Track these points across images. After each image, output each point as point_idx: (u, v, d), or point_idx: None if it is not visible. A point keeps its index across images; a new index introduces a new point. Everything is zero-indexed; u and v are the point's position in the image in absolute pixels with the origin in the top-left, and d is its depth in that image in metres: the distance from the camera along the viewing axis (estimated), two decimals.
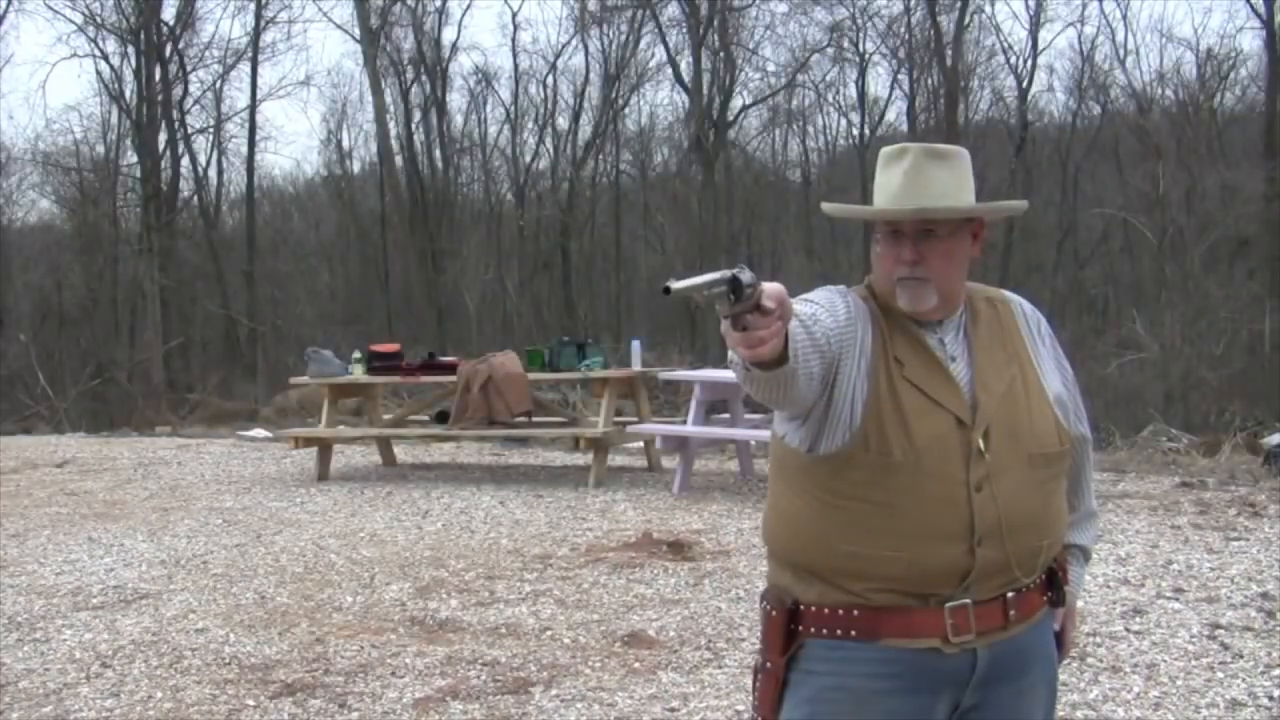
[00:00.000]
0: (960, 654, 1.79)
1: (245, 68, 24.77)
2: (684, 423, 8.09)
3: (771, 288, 1.47)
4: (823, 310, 1.78)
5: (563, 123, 26.21)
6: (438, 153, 26.47)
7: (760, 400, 1.74)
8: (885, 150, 1.88)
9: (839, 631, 1.81)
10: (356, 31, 24.53)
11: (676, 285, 1.42)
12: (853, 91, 25.89)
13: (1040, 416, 1.86)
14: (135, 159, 23.80)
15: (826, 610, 1.82)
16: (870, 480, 1.77)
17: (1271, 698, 3.83)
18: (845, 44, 25.17)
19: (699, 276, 1.43)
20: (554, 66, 25.95)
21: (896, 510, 1.76)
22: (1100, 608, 4.80)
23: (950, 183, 1.83)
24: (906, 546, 1.76)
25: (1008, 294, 2.01)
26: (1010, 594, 1.82)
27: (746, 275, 1.42)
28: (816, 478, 1.81)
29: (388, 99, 24.89)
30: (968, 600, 1.78)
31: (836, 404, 1.77)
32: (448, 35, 26.29)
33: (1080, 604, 2.13)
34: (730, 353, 1.60)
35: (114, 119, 24.10)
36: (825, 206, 2.02)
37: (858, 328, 1.80)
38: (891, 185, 1.84)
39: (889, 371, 1.80)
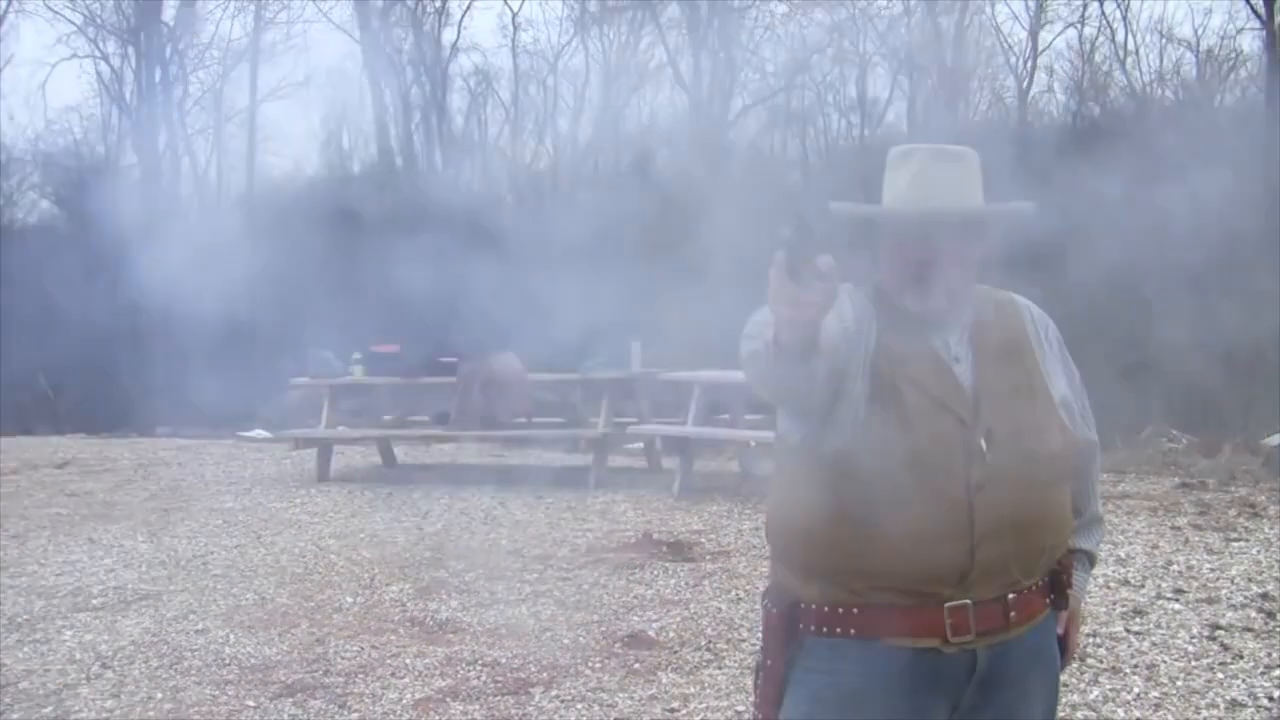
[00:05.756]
0: (960, 654, 1.79)
1: (245, 68, 24.77)
2: (684, 423, 8.09)
3: (828, 259, 1.46)
4: (830, 315, 1.77)
5: (563, 123, 26.22)
6: (438, 154, 26.46)
7: (775, 395, 1.73)
8: (894, 151, 1.88)
9: (839, 630, 1.81)
10: (356, 32, 24.54)
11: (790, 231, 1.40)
12: (853, 92, 25.88)
13: (1044, 419, 1.86)
14: (135, 160, 23.80)
15: (827, 609, 1.82)
16: (871, 479, 1.76)
17: (1271, 698, 3.83)
18: (845, 44, 25.16)
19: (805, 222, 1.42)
20: (554, 67, 25.95)
21: (897, 510, 1.76)
22: (1100, 608, 4.80)
23: (958, 183, 1.83)
24: (906, 546, 1.76)
25: (1016, 296, 2.00)
26: (1011, 595, 1.82)
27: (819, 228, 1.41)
28: (818, 476, 1.81)
29: (388, 100, 24.90)
30: (968, 601, 1.78)
31: (841, 403, 1.77)
32: (448, 36, 26.23)
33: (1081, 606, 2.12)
34: (749, 343, 1.58)
35: (114, 120, 24.11)
36: (834, 206, 2.02)
37: (862, 326, 1.80)
38: (900, 185, 1.84)
39: (891, 371, 1.80)
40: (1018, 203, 1.93)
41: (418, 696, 4.02)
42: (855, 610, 1.80)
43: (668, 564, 5.78)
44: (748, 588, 5.21)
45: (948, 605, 1.78)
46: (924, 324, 1.85)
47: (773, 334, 1.55)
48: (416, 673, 4.27)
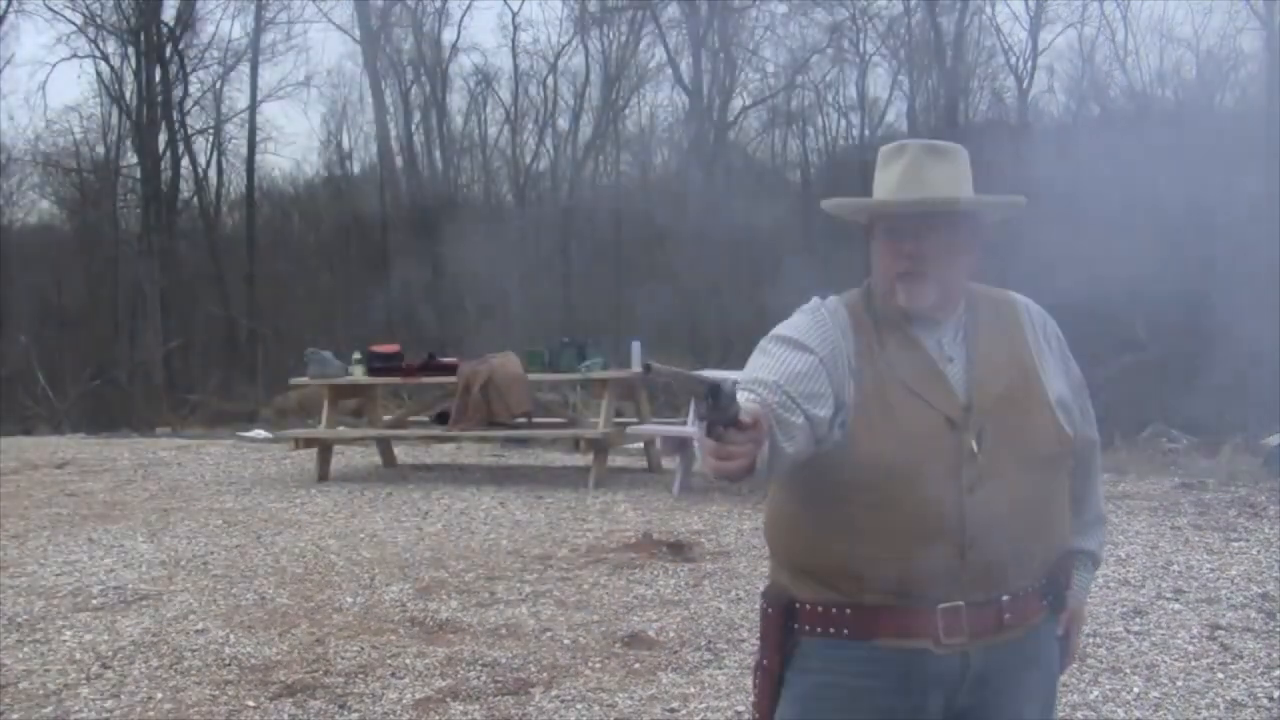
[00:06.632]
0: (952, 655, 1.79)
1: (245, 68, 24.77)
2: (684, 423, 8.09)
3: (750, 408, 1.49)
4: (793, 359, 1.75)
5: (563, 123, 26.22)
6: (438, 154, 26.46)
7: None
8: (885, 148, 1.88)
9: (833, 630, 1.81)
10: (356, 32, 24.54)
11: (658, 367, 1.48)
12: (853, 92, 25.87)
13: (1040, 419, 1.85)
14: (135, 160, 23.79)
15: (821, 609, 1.82)
16: (862, 481, 1.76)
17: (1271, 698, 3.83)
18: (845, 44, 25.15)
19: (683, 372, 1.50)
20: (554, 67, 25.95)
21: (888, 511, 1.76)
22: (1100, 608, 4.80)
23: (949, 178, 1.83)
24: (897, 547, 1.76)
25: (1014, 295, 1.99)
26: (1005, 597, 1.81)
27: (728, 387, 1.47)
28: (811, 478, 1.80)
29: (388, 100, 24.91)
30: (960, 602, 1.78)
31: (835, 427, 1.76)
32: (448, 36, 26.24)
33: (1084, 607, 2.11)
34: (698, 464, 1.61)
35: (114, 120, 24.10)
36: (825, 203, 2.02)
37: (838, 339, 1.80)
38: (891, 180, 1.84)
39: (877, 373, 1.80)
40: (1009, 196, 1.92)
41: (418, 696, 4.02)
42: (848, 611, 1.80)
43: (668, 564, 5.79)
44: (748, 588, 5.21)
45: (940, 607, 1.77)
46: (916, 323, 1.85)
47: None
48: (416, 673, 4.27)
